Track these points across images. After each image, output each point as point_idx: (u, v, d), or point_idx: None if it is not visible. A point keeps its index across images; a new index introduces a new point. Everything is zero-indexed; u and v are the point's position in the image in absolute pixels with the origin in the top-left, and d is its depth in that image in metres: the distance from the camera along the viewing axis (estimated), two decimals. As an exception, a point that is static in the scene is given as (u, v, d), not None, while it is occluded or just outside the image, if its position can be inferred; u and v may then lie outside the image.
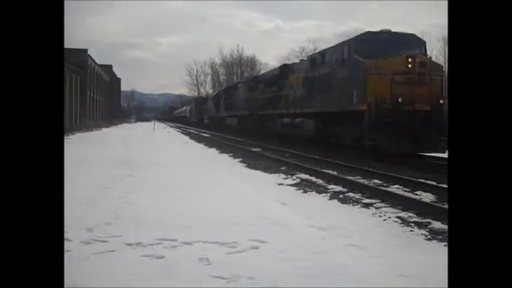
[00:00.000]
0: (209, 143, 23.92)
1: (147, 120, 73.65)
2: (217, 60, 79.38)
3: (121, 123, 69.12)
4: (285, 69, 22.49)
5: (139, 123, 76.81)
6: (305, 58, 22.51)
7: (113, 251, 4.50)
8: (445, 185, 8.67)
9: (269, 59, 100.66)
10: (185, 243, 4.77)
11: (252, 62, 74.45)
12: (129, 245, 4.69)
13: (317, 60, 17.84)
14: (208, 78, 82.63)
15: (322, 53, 17.58)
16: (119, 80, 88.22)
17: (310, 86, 17.89)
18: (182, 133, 39.73)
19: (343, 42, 15.85)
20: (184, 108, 78.84)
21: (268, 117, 24.06)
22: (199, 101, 59.21)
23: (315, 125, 17.63)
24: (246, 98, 29.60)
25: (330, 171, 10.99)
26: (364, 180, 9.57)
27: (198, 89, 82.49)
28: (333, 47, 16.72)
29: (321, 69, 17.00)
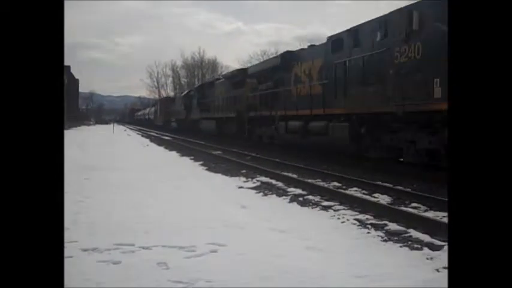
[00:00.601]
0: (169, 146, 23.70)
1: (106, 122, 71.96)
2: (179, 62, 78.79)
3: (79, 125, 67.61)
4: (288, 58, 16.84)
5: (98, 126, 75.33)
6: (314, 43, 16.72)
7: (69, 257, 4.40)
8: (400, 187, 8.91)
9: (230, 62, 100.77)
10: (143, 247, 4.71)
11: (213, 65, 74.30)
12: (85, 250, 4.60)
13: (344, 41, 12.72)
14: (169, 81, 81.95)
15: (354, 30, 12.26)
16: (76, 81, 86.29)
17: (337, 76, 12.84)
18: (142, 136, 39.20)
19: (405, 8, 10.23)
20: (147, 110, 72.73)
21: (263, 120, 19.06)
22: (166, 102, 52.36)
23: (352, 132, 12.22)
24: (228, 97, 24.62)
25: (290, 174, 11.09)
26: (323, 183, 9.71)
27: (159, 91, 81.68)
28: (376, 20, 11.30)
29: (355, 52, 12.07)
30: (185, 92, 41.11)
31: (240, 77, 23.15)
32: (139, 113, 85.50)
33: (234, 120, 22.84)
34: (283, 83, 17.13)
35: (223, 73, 39.77)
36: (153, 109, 64.54)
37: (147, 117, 69.06)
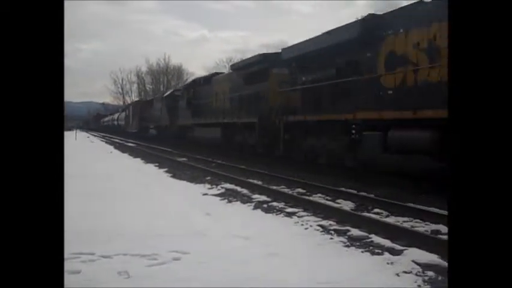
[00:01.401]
0: (134, 152, 23.39)
1: (69, 129, 70.45)
2: (144, 69, 77.97)
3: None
4: (374, 25, 10.62)
5: (60, 132, 73.28)
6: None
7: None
8: (364, 193, 9.04)
9: (196, 69, 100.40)
10: (104, 256, 4.63)
11: (179, 71, 73.89)
12: (44, 260, 4.48)
13: None
14: (134, 87, 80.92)
15: None
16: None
17: None
18: (106, 143, 38.56)
19: None
20: (116, 115, 62.49)
21: (316, 129, 12.65)
22: (141, 105, 42.86)
23: None
24: (239, 95, 18.18)
25: (255, 181, 11.11)
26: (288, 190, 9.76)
27: (124, 97, 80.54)
28: None
29: None
30: (168, 92, 32.90)
31: (260, 65, 16.53)
32: (106, 119, 75.84)
33: (254, 127, 16.07)
34: (368, 66, 10.72)
35: (232, 63, 27.11)
36: (123, 114, 55.47)
37: (116, 123, 59.99)
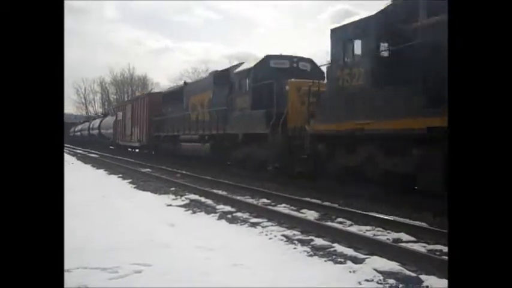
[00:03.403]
0: (96, 163, 22.96)
1: None
2: (107, 79, 76.81)
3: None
4: None
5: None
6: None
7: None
8: (328, 203, 9.13)
9: (161, 79, 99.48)
10: (63, 270, 4.50)
11: (143, 81, 73.09)
12: None
13: None
14: (98, 97, 79.55)
15: None
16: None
17: None
18: (69, 153, 37.74)
19: None
20: (95, 122, 43.25)
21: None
22: (147, 104, 25.47)
23: None
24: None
25: (220, 192, 11.07)
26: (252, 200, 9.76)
27: (87, 107, 79.01)
28: None
29: None
30: (213, 76, 18.39)
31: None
32: (77, 128, 52.53)
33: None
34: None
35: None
36: (109, 120, 37.60)
37: (94, 133, 41.63)
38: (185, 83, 22.34)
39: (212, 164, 17.43)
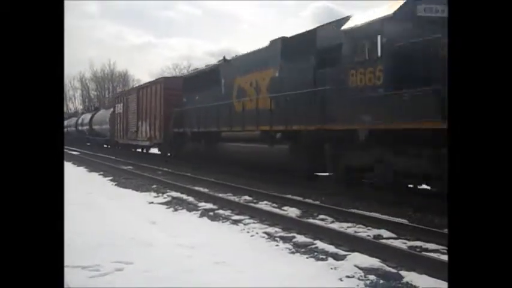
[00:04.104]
0: (77, 161, 22.69)
1: None
2: (88, 74, 75.83)
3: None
4: None
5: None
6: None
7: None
8: (309, 200, 9.17)
9: (142, 75, 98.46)
10: (42, 268, 4.46)
11: (124, 78, 72.37)
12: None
13: None
14: (78, 93, 78.57)
15: None
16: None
17: None
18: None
19: None
20: (83, 117, 38.10)
21: None
22: (161, 92, 19.92)
23: None
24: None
25: (201, 189, 11.05)
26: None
27: (67, 104, 77.99)
28: None
29: None
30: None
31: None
32: (66, 123, 40.90)
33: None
34: None
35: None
36: (103, 114, 32.18)
37: (82, 128, 36.70)
38: (224, 59, 15.61)
39: (291, 177, 11.66)
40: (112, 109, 29.09)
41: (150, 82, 23.13)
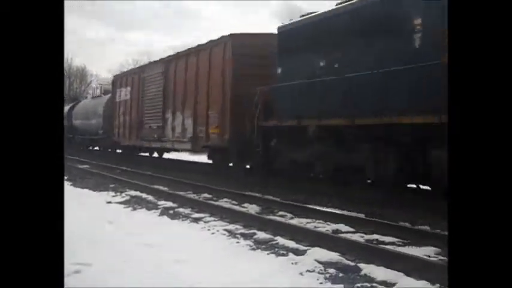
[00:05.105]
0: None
1: None
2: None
3: None
4: None
5: None
6: None
7: None
8: (270, 196, 9.24)
9: (100, 71, 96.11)
10: (-4, 272, 4.31)
11: (82, 73, 70.59)
12: None
13: None
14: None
15: None
16: None
17: None
18: None
19: None
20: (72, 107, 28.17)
21: None
22: (227, 62, 11.91)
23: None
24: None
25: (161, 187, 10.94)
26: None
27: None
28: None
29: None
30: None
31: None
32: None
33: None
34: None
35: None
36: (91, 104, 25.20)
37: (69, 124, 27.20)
38: None
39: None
40: (108, 96, 21.25)
41: (198, 46, 14.15)
